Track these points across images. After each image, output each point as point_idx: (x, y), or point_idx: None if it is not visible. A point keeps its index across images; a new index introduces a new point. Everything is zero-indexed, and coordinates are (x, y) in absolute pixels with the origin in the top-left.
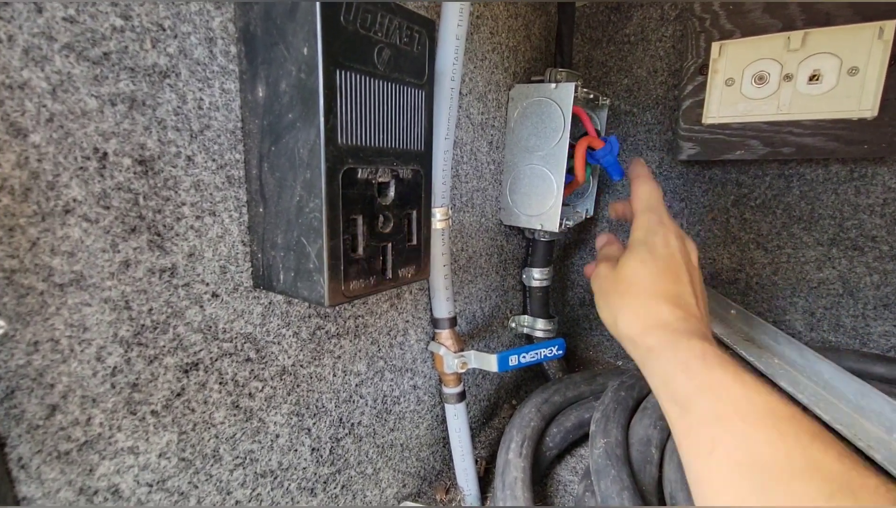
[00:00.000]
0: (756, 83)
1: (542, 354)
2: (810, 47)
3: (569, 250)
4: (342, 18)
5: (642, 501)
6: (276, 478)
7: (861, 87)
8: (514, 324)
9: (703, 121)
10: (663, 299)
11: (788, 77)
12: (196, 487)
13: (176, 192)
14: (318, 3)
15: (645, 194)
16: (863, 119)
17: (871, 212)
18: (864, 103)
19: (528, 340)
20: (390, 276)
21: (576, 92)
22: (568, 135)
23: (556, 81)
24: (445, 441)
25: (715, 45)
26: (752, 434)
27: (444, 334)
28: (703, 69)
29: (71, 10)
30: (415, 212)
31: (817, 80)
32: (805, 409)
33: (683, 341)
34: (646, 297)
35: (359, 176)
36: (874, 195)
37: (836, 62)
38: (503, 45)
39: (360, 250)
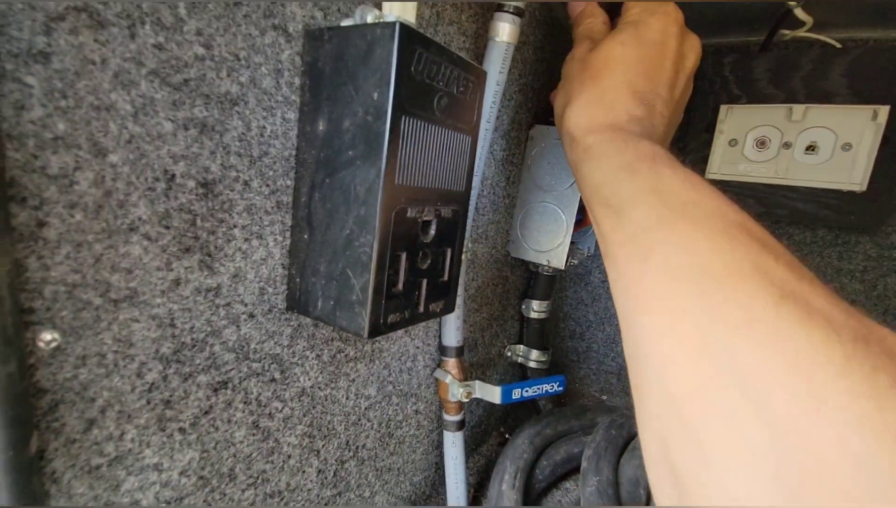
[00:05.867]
0: (757, 147)
1: (544, 389)
2: (809, 120)
3: (564, 283)
4: (413, 69)
5: None
6: (283, 499)
7: (853, 162)
8: (509, 353)
9: (706, 175)
10: (628, 92)
11: (787, 145)
12: (209, 505)
13: (230, 215)
14: (395, 54)
15: None
16: (852, 191)
17: (852, 278)
18: (854, 177)
19: (521, 369)
20: (422, 311)
21: None
22: None
23: None
24: (437, 467)
25: (723, 108)
26: (697, 237)
27: (451, 362)
28: (709, 127)
29: (160, 38)
30: (449, 250)
31: (814, 150)
32: None
33: (633, 142)
34: (609, 89)
35: (408, 214)
36: (855, 261)
37: (832, 137)
38: (529, 86)
39: (400, 285)
